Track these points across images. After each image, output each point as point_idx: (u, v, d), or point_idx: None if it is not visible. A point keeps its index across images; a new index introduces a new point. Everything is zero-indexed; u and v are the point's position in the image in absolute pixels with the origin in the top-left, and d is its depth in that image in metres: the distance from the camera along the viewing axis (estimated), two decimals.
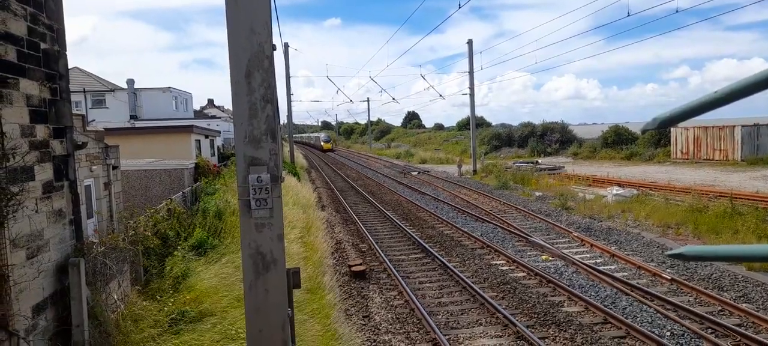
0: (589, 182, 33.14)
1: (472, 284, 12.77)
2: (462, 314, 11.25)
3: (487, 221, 21.25)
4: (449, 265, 14.65)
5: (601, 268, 13.88)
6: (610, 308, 10.96)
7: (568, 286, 12.47)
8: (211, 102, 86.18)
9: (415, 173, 44.25)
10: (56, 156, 7.65)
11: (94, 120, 28.00)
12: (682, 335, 9.66)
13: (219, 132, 43.18)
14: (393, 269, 14.37)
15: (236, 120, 4.60)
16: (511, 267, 14.61)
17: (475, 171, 40.82)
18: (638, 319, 10.46)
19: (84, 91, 42.74)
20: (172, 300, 9.04)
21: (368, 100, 73.55)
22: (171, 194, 19.67)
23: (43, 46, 7.42)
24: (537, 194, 28.53)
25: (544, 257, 15.61)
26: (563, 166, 43.27)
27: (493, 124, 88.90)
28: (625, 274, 13.53)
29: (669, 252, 1.46)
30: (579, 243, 17.25)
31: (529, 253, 16.20)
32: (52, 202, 7.44)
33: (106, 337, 7.51)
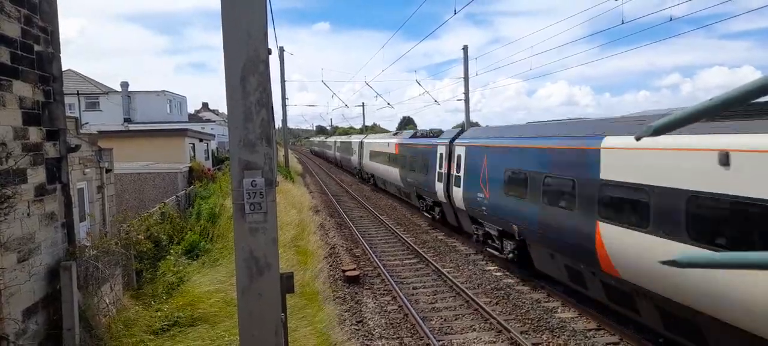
0: None
1: (466, 290, 12.76)
2: (456, 319, 11.24)
3: None
4: (443, 270, 14.64)
5: None
6: (604, 314, 10.97)
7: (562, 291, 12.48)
8: (205, 106, 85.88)
9: None
10: (49, 159, 7.60)
11: (87, 123, 27.86)
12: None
13: (213, 136, 43.08)
14: (387, 274, 14.35)
15: (231, 124, 4.59)
16: (505, 272, 14.61)
17: None
18: (632, 326, 10.48)
19: (77, 94, 42.51)
20: (166, 306, 8.98)
21: (363, 105, 73.21)
22: (165, 197, 19.59)
23: (36, 48, 7.39)
24: None
25: None
26: None
27: None
28: None
29: (662, 260, 1.46)
30: None
31: None
32: (45, 205, 7.39)
33: (98, 341, 7.45)
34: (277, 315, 4.78)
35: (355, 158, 43.61)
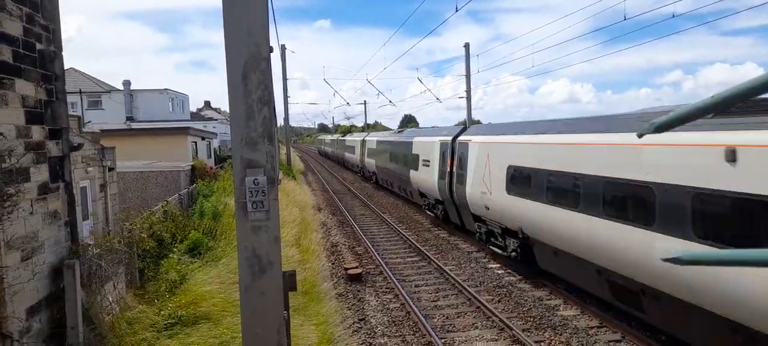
0: None
1: (468, 288, 12.76)
2: (458, 317, 11.24)
3: None
4: (445, 268, 14.64)
5: None
6: (606, 312, 10.96)
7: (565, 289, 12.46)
8: (207, 104, 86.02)
9: None
10: (52, 157, 7.62)
11: (90, 121, 27.90)
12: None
13: (215, 134, 43.11)
14: (389, 272, 14.35)
15: (233, 122, 4.59)
16: (508, 270, 14.60)
17: None
18: (634, 324, 10.46)
19: (80, 92, 42.60)
20: (169, 304, 9.01)
21: (365, 103, 72.93)
22: (167, 195, 19.63)
23: (38, 46, 7.40)
24: None
25: None
26: None
27: None
28: None
29: (664, 257, 1.46)
30: None
31: None
32: (48, 203, 7.41)
33: (101, 339, 7.47)
34: (280, 313, 4.79)
35: (430, 180, 20.72)
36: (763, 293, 6.37)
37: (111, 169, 13.76)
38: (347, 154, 50.43)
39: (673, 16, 15.14)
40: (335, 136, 69.18)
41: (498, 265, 15.21)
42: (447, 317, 11.20)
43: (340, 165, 58.89)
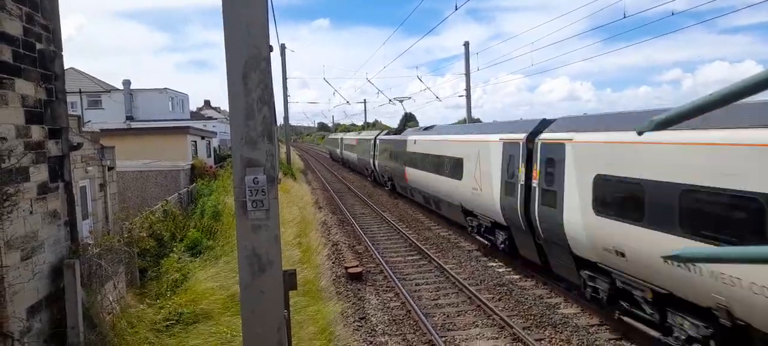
0: None
1: (468, 286, 12.77)
2: (458, 315, 11.24)
3: None
4: (446, 267, 14.65)
5: None
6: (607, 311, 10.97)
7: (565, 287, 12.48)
8: (207, 103, 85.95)
9: None
10: (51, 157, 7.62)
11: (89, 121, 27.88)
12: None
13: (215, 133, 43.08)
14: (389, 271, 14.36)
15: (233, 121, 4.59)
16: (508, 269, 14.61)
17: None
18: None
19: (80, 92, 42.59)
20: (169, 303, 9.01)
21: (365, 102, 72.80)
22: (167, 195, 19.63)
23: (38, 46, 7.40)
24: None
25: None
26: None
27: None
28: None
29: (665, 254, 1.46)
30: None
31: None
32: (47, 203, 7.41)
33: (102, 339, 7.48)
34: (280, 312, 4.79)
35: None
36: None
37: (110, 168, 13.76)
38: (437, 179, 20.05)
39: (673, 13, 15.15)
40: (371, 135, 36.72)
41: (498, 263, 15.21)
42: (448, 316, 11.21)
43: (367, 178, 38.31)
